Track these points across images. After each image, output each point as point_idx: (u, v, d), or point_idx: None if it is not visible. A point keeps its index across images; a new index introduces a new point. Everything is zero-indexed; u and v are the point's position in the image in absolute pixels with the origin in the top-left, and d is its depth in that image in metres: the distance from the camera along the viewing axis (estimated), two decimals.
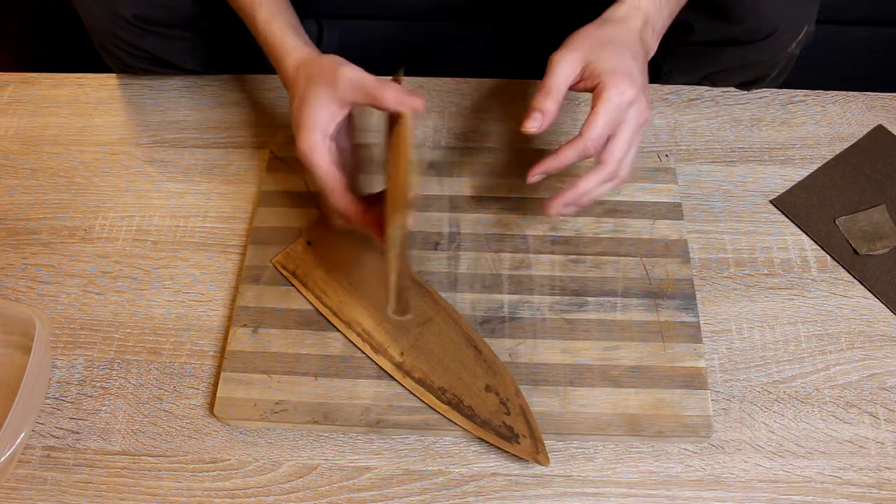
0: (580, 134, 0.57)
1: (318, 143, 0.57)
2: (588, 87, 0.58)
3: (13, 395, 0.58)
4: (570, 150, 0.57)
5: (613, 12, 0.61)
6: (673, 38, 0.81)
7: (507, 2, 0.94)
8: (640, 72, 0.58)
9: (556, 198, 0.59)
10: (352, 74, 0.57)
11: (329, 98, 0.57)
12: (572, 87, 0.59)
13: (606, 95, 0.56)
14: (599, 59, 0.57)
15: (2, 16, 1.09)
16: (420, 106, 0.56)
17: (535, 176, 0.59)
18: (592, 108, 0.57)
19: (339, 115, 0.58)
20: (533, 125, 0.57)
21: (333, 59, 0.59)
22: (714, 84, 0.82)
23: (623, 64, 0.57)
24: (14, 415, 0.57)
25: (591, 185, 0.58)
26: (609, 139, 0.57)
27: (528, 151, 0.76)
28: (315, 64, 0.59)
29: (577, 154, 0.57)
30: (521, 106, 0.80)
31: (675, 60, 0.84)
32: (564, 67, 0.57)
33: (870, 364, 0.64)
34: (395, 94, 0.56)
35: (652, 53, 0.63)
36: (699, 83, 0.82)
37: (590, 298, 0.66)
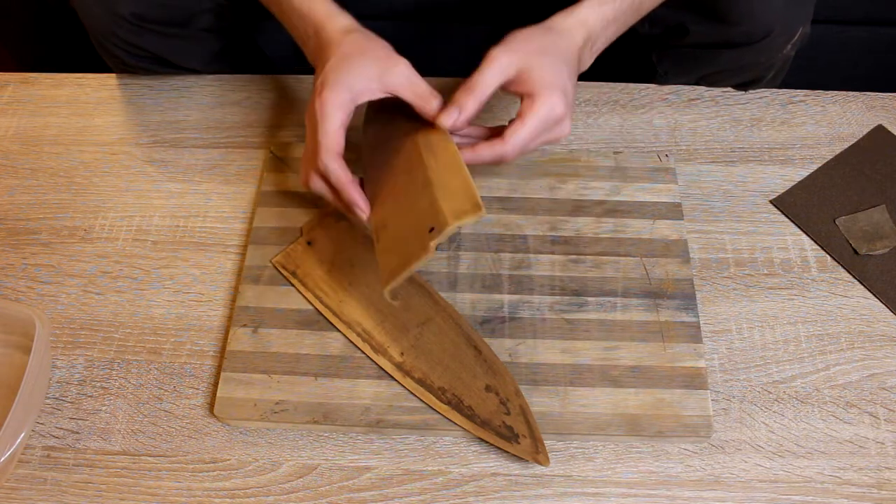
0: (502, 137, 0.56)
1: (344, 102, 0.56)
2: (518, 91, 0.57)
3: (13, 395, 0.58)
4: (488, 151, 0.57)
5: (559, 22, 0.60)
6: (669, 40, 0.81)
7: (505, 2, 0.94)
8: (572, 89, 0.58)
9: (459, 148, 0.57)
10: (409, 70, 0.57)
11: (375, 74, 0.57)
12: (502, 88, 0.58)
13: (538, 108, 0.56)
14: (536, 67, 0.56)
15: (2, 16, 1.09)
16: (451, 125, 0.57)
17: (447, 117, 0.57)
18: (520, 115, 0.56)
19: (376, 93, 0.57)
20: (447, 120, 0.56)
21: (391, 50, 0.58)
22: (711, 85, 0.82)
23: (558, 79, 0.57)
24: (14, 415, 0.57)
25: (482, 157, 0.57)
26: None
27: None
28: (374, 41, 0.59)
29: (493, 156, 0.57)
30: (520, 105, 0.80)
31: (671, 62, 0.84)
32: (498, 69, 0.56)
33: (870, 364, 0.64)
34: (438, 106, 0.57)
35: (584, 69, 0.63)
36: (695, 84, 0.82)
37: (590, 298, 0.66)
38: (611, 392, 0.61)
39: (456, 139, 0.59)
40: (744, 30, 0.74)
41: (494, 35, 1.01)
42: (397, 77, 0.57)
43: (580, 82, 0.81)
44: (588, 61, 0.63)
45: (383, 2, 0.94)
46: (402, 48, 0.71)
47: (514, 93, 0.58)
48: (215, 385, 0.63)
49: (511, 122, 0.58)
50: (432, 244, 0.51)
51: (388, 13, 0.95)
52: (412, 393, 0.61)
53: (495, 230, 0.70)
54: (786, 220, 0.72)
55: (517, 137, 0.56)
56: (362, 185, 0.60)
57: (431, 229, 0.52)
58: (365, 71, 0.57)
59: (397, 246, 0.55)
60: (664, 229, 0.70)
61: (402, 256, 0.54)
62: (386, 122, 0.64)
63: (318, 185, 0.59)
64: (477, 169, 0.73)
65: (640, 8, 0.64)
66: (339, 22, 0.60)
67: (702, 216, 0.73)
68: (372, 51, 0.58)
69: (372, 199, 0.59)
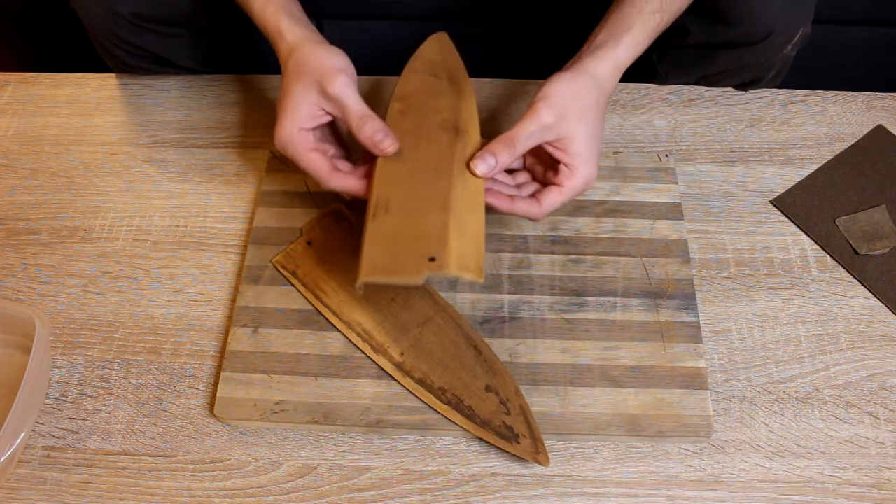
0: (539, 200, 0.58)
1: (294, 135, 0.57)
2: (557, 157, 0.59)
3: (13, 395, 0.58)
4: (523, 208, 0.58)
5: (599, 68, 0.60)
6: (669, 41, 0.81)
7: (505, 3, 0.94)
8: (600, 148, 0.60)
9: (495, 195, 0.58)
10: (340, 91, 0.56)
11: (315, 100, 0.58)
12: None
13: (575, 181, 0.58)
14: (576, 137, 0.57)
15: (2, 16, 1.09)
16: (388, 152, 0.56)
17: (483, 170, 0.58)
18: (559, 185, 0.58)
19: (322, 118, 0.58)
20: (482, 168, 0.57)
21: (333, 62, 0.58)
22: (711, 85, 0.82)
23: (595, 149, 0.58)
24: (14, 415, 0.57)
25: (515, 211, 0.59)
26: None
27: None
28: (312, 58, 0.58)
29: (526, 214, 0.59)
30: (521, 105, 0.80)
31: (671, 62, 0.84)
32: (540, 128, 0.57)
33: (870, 364, 0.64)
34: (370, 133, 0.56)
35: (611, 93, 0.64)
36: (696, 85, 0.82)
37: (590, 298, 0.66)
38: (611, 392, 0.61)
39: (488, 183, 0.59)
40: (744, 30, 0.74)
41: (496, 36, 1.01)
42: (333, 97, 0.57)
43: None
44: (615, 86, 0.63)
45: (385, 3, 0.94)
46: (405, 49, 0.71)
47: (550, 152, 0.59)
48: (215, 385, 0.63)
49: (547, 186, 0.59)
50: (426, 274, 0.51)
51: (391, 14, 0.95)
52: (412, 393, 0.61)
53: (495, 230, 0.70)
54: (786, 220, 0.72)
55: (552, 204, 0.58)
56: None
57: (432, 259, 0.51)
58: (306, 100, 0.58)
59: (391, 246, 0.53)
60: (664, 229, 0.70)
61: (391, 261, 0.52)
62: (426, 95, 0.63)
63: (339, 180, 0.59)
64: None
65: (651, 40, 0.64)
66: (286, 41, 0.60)
67: (702, 216, 0.73)
68: (308, 73, 0.58)
69: (381, 169, 0.58)
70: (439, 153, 0.58)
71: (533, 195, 0.60)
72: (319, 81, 0.57)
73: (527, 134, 0.57)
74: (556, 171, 0.59)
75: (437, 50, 0.65)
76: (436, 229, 0.53)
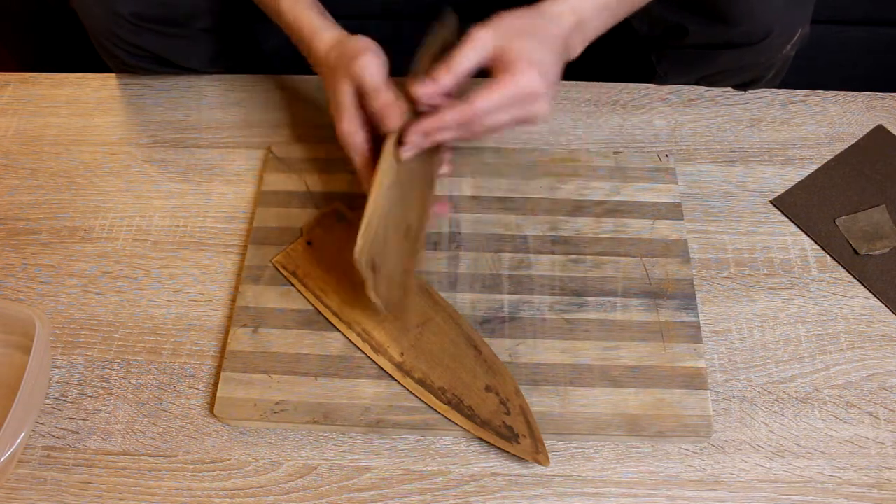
0: (470, 100, 0.54)
1: (355, 131, 0.59)
2: (500, 68, 0.55)
3: (13, 395, 0.58)
4: (452, 113, 0.55)
5: (549, 7, 0.59)
6: (668, 41, 0.81)
7: (504, 3, 0.94)
8: (553, 70, 0.56)
9: (413, 126, 0.56)
10: (360, 69, 0.57)
11: (350, 86, 0.59)
12: (484, 67, 0.57)
13: (512, 76, 0.54)
14: (516, 47, 0.55)
15: (2, 16, 1.09)
16: (392, 126, 0.56)
17: (410, 144, 0.56)
18: (495, 78, 0.54)
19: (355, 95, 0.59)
20: (421, 91, 0.55)
21: (358, 46, 0.59)
22: (710, 85, 0.82)
23: (537, 56, 0.55)
24: (14, 415, 0.57)
25: (444, 122, 0.55)
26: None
27: (527, 150, 0.76)
28: (341, 49, 0.60)
29: (458, 119, 0.54)
30: None
31: (670, 63, 0.84)
32: (478, 45, 0.55)
33: (870, 364, 0.64)
34: (381, 104, 0.56)
35: (573, 57, 0.61)
36: (695, 85, 0.82)
37: (590, 298, 0.66)
38: (611, 392, 0.61)
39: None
40: (743, 30, 0.74)
41: None
42: (356, 77, 0.58)
43: (580, 82, 0.82)
44: (577, 48, 0.61)
45: (384, 2, 0.94)
46: (404, 49, 0.71)
47: (493, 70, 0.56)
48: (215, 385, 0.63)
49: None
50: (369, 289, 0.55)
51: (389, 14, 0.95)
52: (412, 393, 0.61)
53: (495, 230, 0.70)
54: (786, 220, 0.72)
55: (483, 100, 0.54)
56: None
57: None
58: (344, 89, 0.59)
59: (385, 246, 0.56)
60: (664, 229, 0.70)
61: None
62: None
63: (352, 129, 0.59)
64: (477, 169, 0.74)
65: (632, 4, 0.63)
66: (322, 40, 0.62)
67: (702, 216, 0.73)
68: (341, 66, 0.59)
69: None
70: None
71: None
72: (347, 68, 0.58)
73: (464, 53, 0.55)
74: None
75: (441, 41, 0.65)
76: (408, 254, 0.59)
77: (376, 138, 0.60)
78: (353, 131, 0.59)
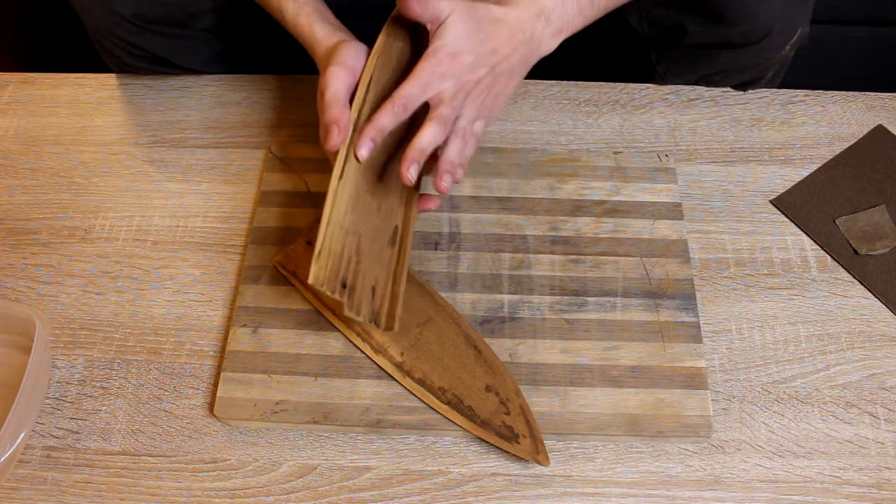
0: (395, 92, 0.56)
1: (340, 112, 0.58)
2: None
3: (13, 395, 0.58)
4: (383, 114, 0.56)
5: (509, 12, 0.59)
6: (668, 41, 0.81)
7: None
8: (478, 38, 0.57)
9: (403, 161, 0.57)
10: (323, 81, 0.59)
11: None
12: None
13: (431, 46, 0.56)
14: (445, 25, 0.56)
15: (2, 16, 1.09)
16: (331, 149, 0.57)
17: (364, 149, 0.57)
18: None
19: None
20: (361, 144, 0.57)
21: (337, 57, 0.59)
22: (710, 85, 0.82)
23: (467, 45, 0.56)
24: (14, 415, 0.57)
25: (424, 140, 0.56)
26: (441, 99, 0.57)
27: (527, 150, 0.76)
28: (343, 52, 0.60)
29: (391, 116, 0.56)
30: (519, 105, 0.80)
31: (669, 62, 0.84)
32: (438, 8, 0.56)
33: (870, 364, 0.64)
34: (326, 117, 0.57)
35: (546, 49, 0.61)
36: (694, 84, 0.82)
37: (590, 298, 0.66)
38: (611, 392, 0.61)
39: None
40: (743, 30, 0.74)
41: None
42: (322, 81, 0.59)
43: (580, 82, 0.82)
44: (547, 41, 0.61)
45: (383, 2, 0.93)
46: None
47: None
48: (215, 385, 0.63)
49: None
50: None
51: (380, 14, 0.95)
52: (412, 393, 0.61)
53: (495, 230, 0.70)
54: (786, 220, 0.72)
55: (403, 86, 0.56)
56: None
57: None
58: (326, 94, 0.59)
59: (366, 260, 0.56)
60: (664, 229, 0.70)
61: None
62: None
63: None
64: (477, 169, 0.74)
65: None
66: (323, 46, 0.62)
67: (702, 216, 0.73)
68: (336, 65, 0.60)
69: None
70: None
71: None
72: (331, 66, 0.59)
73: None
74: None
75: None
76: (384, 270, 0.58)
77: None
78: (337, 113, 0.58)
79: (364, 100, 0.59)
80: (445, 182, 0.59)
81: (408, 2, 0.56)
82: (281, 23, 0.67)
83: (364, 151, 0.57)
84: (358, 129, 0.57)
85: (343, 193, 0.56)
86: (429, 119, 0.57)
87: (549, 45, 0.62)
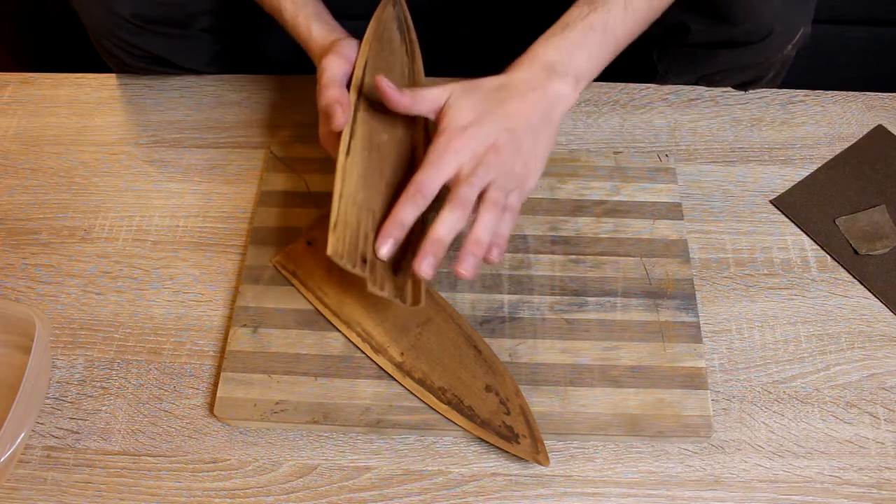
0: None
1: (336, 93, 0.58)
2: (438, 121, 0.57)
3: (13, 395, 0.58)
4: (402, 208, 0.54)
5: (511, 75, 0.58)
6: (669, 40, 0.81)
7: (489, 3, 0.94)
8: (486, 106, 0.55)
9: (418, 255, 0.53)
10: (320, 68, 0.59)
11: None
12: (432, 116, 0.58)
13: (440, 124, 0.55)
14: (453, 97, 0.56)
15: (2, 16, 1.09)
16: (338, 127, 0.57)
17: (383, 246, 0.54)
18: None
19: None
20: (384, 84, 0.56)
21: (337, 46, 0.61)
22: (711, 85, 0.82)
23: (467, 99, 0.56)
24: (14, 415, 0.57)
25: (441, 230, 0.53)
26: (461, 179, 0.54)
27: None
28: (338, 49, 0.61)
29: (412, 208, 0.53)
30: None
31: (671, 61, 0.84)
32: (434, 98, 0.56)
33: (870, 364, 0.64)
34: (326, 97, 0.57)
35: (568, 101, 0.59)
36: (695, 83, 0.83)
37: (590, 298, 0.66)
38: (611, 392, 0.61)
39: None
40: (744, 29, 0.74)
41: (478, 36, 1.01)
42: (318, 69, 0.60)
43: None
44: (566, 91, 0.59)
45: (375, 3, 0.93)
46: None
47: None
48: (215, 385, 0.63)
49: None
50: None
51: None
52: (412, 393, 0.61)
53: None
54: (786, 220, 0.72)
55: (428, 156, 0.54)
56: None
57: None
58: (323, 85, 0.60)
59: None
60: (664, 229, 0.70)
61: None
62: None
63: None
64: None
65: (625, 38, 0.63)
66: (317, 45, 0.63)
67: (702, 216, 0.73)
68: (333, 54, 0.61)
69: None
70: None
71: None
72: (326, 61, 0.60)
73: (430, 91, 0.57)
74: None
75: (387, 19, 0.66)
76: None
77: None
78: (333, 94, 0.58)
79: (361, 82, 0.59)
80: (466, 267, 0.53)
81: (401, 102, 0.55)
82: (279, 22, 0.67)
83: (385, 250, 0.53)
84: (376, 227, 0.55)
85: (352, 170, 0.55)
86: (446, 203, 0.53)
87: (570, 95, 0.59)
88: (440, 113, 0.56)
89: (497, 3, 0.94)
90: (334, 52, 0.60)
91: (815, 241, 0.71)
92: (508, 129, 0.55)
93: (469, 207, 0.54)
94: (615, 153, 0.75)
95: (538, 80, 0.58)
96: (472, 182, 0.54)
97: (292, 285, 0.67)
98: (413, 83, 0.64)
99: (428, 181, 0.53)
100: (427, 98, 0.57)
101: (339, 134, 0.58)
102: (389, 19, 0.64)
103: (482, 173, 0.54)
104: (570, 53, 0.59)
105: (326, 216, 0.70)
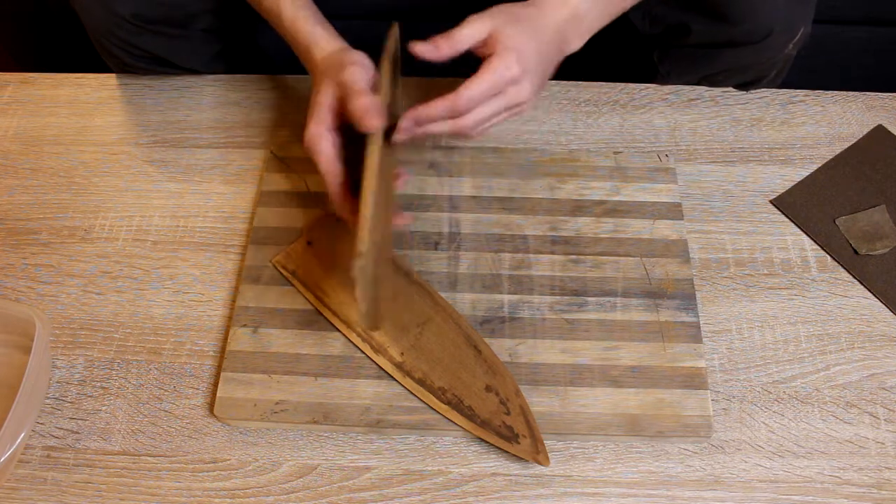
0: (456, 90, 0.56)
1: (321, 133, 0.59)
2: (486, 53, 0.58)
3: (13, 395, 0.58)
4: (441, 103, 0.57)
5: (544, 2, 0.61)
6: (671, 40, 0.81)
7: (494, 3, 0.94)
8: (537, 59, 0.59)
9: (406, 113, 0.57)
10: (348, 74, 0.58)
11: (332, 91, 0.59)
12: (474, 50, 0.59)
13: (493, 65, 0.57)
14: (504, 33, 0.57)
15: (2, 16, 1.09)
16: (373, 128, 0.56)
17: (403, 129, 0.58)
18: (477, 72, 0.57)
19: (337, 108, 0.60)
20: (423, 49, 0.57)
21: (352, 58, 0.60)
22: (712, 85, 0.82)
23: (523, 44, 0.57)
24: (14, 415, 0.57)
25: (433, 111, 0.57)
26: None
27: (527, 150, 0.76)
28: (336, 57, 0.61)
29: (446, 108, 0.57)
30: None
31: (672, 62, 0.84)
32: (473, 29, 0.58)
33: (870, 364, 0.64)
34: (359, 104, 0.56)
35: (573, 49, 0.63)
36: (697, 84, 0.82)
37: (590, 298, 0.66)
38: (611, 392, 0.61)
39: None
40: (746, 29, 0.74)
41: None
42: (342, 84, 0.59)
43: (580, 82, 0.82)
44: (575, 41, 0.62)
45: (378, 3, 0.93)
46: (402, 49, 0.70)
47: (482, 55, 0.58)
48: (215, 385, 0.63)
49: None
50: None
51: (386, 14, 0.95)
52: (412, 393, 0.61)
53: (495, 230, 0.70)
54: (786, 220, 0.72)
55: (468, 90, 0.56)
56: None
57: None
58: (327, 93, 0.60)
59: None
60: (664, 229, 0.70)
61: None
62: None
63: (320, 135, 0.59)
64: (477, 169, 0.74)
65: None
66: (319, 49, 0.63)
67: (702, 216, 0.73)
68: (331, 69, 0.61)
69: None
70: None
71: None
72: (335, 74, 0.59)
73: (463, 33, 0.58)
74: None
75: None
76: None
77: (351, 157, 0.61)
78: (319, 133, 0.59)
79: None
80: (404, 128, 0.58)
81: (442, 49, 0.57)
82: (275, 22, 0.66)
83: (401, 134, 0.57)
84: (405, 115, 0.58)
85: (373, 179, 0.56)
86: (486, 68, 0.56)
87: (576, 46, 0.62)
88: (485, 44, 0.58)
89: (498, 3, 0.94)
90: (355, 63, 0.60)
91: (815, 241, 0.71)
92: (543, 74, 0.60)
93: (506, 95, 0.58)
94: (615, 153, 0.75)
95: (567, 34, 0.61)
96: (483, 120, 0.58)
97: (292, 285, 0.67)
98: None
99: (467, 120, 0.57)
100: (463, 37, 0.58)
101: (337, 146, 0.59)
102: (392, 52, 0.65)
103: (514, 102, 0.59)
104: (593, 6, 0.61)
105: (327, 216, 0.70)
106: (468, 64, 0.67)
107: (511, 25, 0.58)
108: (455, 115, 0.57)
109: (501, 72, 0.57)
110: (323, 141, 0.59)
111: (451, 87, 0.81)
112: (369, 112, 0.56)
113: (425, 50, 0.57)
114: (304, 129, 0.60)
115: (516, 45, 0.57)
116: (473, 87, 0.56)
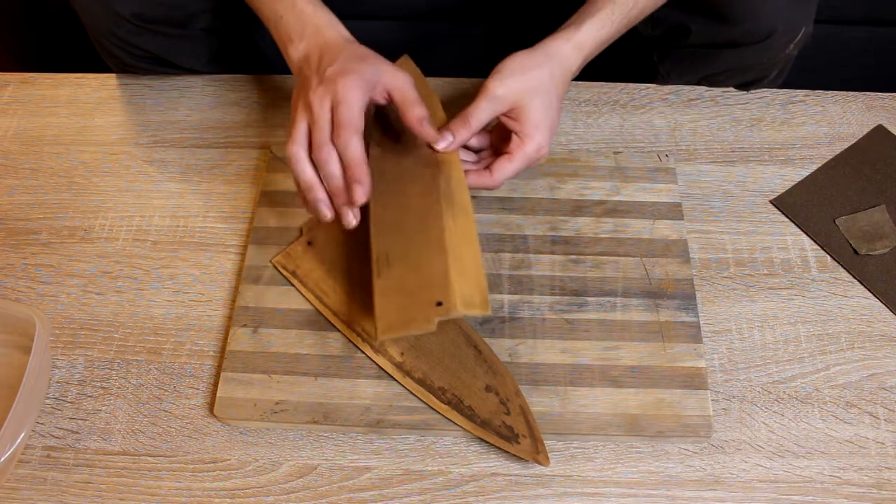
0: (490, 170, 0.62)
1: (362, 86, 0.57)
2: (510, 127, 0.62)
3: (13, 395, 0.58)
4: (476, 179, 0.62)
5: (558, 48, 0.63)
6: (671, 41, 0.81)
7: (503, 2, 0.94)
8: (555, 117, 0.63)
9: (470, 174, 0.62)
10: (405, 76, 0.59)
11: (379, 72, 0.59)
12: (495, 118, 0.63)
13: (526, 148, 0.62)
14: (528, 107, 0.61)
15: (2, 16, 1.09)
16: (443, 149, 0.61)
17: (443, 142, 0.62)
18: (509, 153, 0.62)
19: (380, 92, 0.60)
20: (441, 144, 0.61)
21: (373, 54, 0.61)
22: (713, 85, 0.82)
23: (547, 119, 0.62)
24: (14, 415, 0.57)
25: (469, 184, 0.62)
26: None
27: None
28: (371, 53, 0.61)
29: (479, 185, 0.63)
30: None
31: (673, 62, 0.84)
32: (492, 102, 0.61)
33: (870, 364, 0.64)
34: (421, 114, 0.58)
35: (575, 75, 0.66)
36: (697, 84, 0.82)
37: (590, 298, 0.66)
38: (611, 392, 0.61)
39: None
40: (746, 29, 0.74)
41: (492, 36, 1.01)
42: (395, 79, 0.59)
43: (580, 82, 0.82)
44: (577, 69, 0.65)
45: (382, 2, 0.94)
46: (403, 49, 0.71)
47: (505, 124, 0.63)
48: (215, 385, 0.63)
49: (500, 156, 0.63)
50: (436, 320, 0.52)
51: (388, 14, 0.95)
52: (412, 393, 0.61)
53: (495, 230, 0.70)
54: (786, 220, 0.72)
55: (503, 173, 0.62)
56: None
57: (439, 304, 0.52)
58: (371, 69, 0.59)
59: (400, 298, 0.55)
60: (664, 229, 0.70)
61: (402, 314, 0.54)
62: (396, 139, 0.65)
63: (307, 171, 0.58)
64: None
65: (631, 24, 0.66)
66: (341, 31, 0.63)
67: (702, 216, 0.73)
68: (373, 58, 0.60)
69: (375, 219, 0.59)
70: (425, 192, 0.60)
71: (487, 167, 0.63)
72: (385, 64, 0.60)
73: (479, 108, 0.61)
74: (509, 141, 0.62)
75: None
76: (438, 274, 0.55)
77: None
78: (300, 158, 0.58)
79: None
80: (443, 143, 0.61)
81: (461, 138, 0.62)
82: (268, 11, 0.64)
83: (444, 144, 0.61)
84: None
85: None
86: (519, 154, 0.62)
87: (577, 72, 0.66)
88: (512, 118, 0.62)
89: (509, 2, 0.94)
90: (396, 69, 0.60)
91: (815, 241, 0.71)
92: (557, 120, 0.64)
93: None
94: (615, 153, 0.75)
95: (574, 73, 0.65)
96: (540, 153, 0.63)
97: (292, 285, 0.67)
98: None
99: (494, 188, 0.64)
100: (482, 115, 0.61)
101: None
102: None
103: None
104: (598, 47, 0.65)
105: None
106: (473, 65, 0.67)
107: (533, 98, 0.61)
108: (486, 188, 0.63)
109: (532, 155, 0.62)
110: (303, 166, 0.58)
111: (456, 88, 0.81)
112: (424, 122, 0.59)
113: (442, 142, 0.61)
114: (286, 145, 0.59)
115: (541, 121, 0.61)
116: (509, 171, 0.62)
